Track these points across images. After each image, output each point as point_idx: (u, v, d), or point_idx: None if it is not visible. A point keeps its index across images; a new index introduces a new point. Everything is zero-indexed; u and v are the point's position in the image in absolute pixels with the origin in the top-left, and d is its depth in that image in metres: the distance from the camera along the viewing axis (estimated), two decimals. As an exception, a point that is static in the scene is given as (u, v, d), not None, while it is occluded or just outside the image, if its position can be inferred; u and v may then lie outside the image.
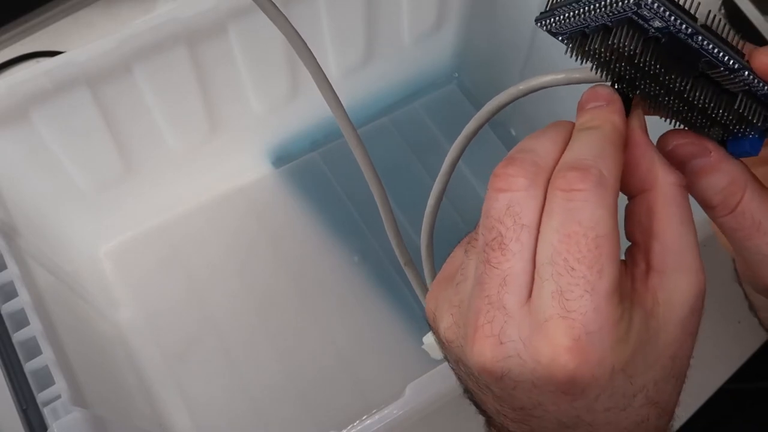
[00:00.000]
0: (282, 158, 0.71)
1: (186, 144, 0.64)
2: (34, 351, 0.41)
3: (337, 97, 0.34)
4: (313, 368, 0.62)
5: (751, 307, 0.41)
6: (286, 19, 0.33)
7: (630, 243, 0.27)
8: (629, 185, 0.27)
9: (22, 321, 0.42)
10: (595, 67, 0.28)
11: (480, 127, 0.34)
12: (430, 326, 0.30)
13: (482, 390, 0.27)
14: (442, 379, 0.42)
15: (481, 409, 0.29)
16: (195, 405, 0.60)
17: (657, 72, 0.25)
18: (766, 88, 0.26)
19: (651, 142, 0.27)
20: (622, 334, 0.24)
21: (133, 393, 0.58)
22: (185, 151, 0.64)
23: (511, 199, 0.25)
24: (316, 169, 0.71)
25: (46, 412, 0.39)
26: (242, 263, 0.67)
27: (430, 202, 0.37)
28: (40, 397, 0.40)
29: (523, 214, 0.25)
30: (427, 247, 0.40)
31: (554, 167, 0.26)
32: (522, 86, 0.31)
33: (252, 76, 0.62)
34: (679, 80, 0.26)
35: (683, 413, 0.61)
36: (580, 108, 0.28)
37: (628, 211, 0.27)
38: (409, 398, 0.42)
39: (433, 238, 0.39)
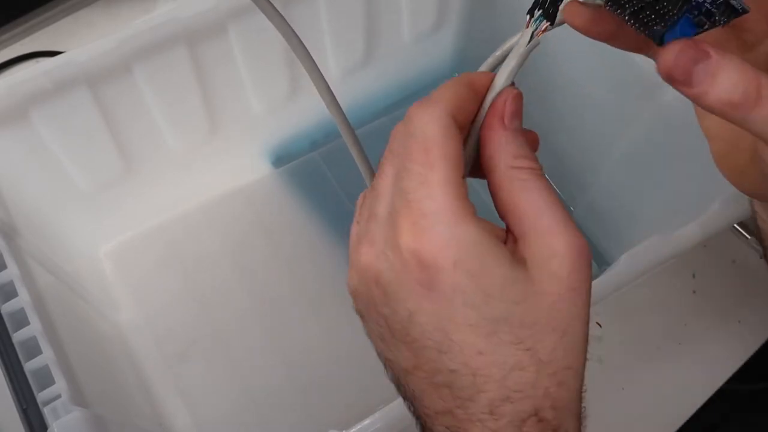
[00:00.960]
0: (282, 158, 0.71)
1: (186, 144, 0.64)
2: (34, 351, 0.41)
3: (334, 96, 0.34)
4: (313, 368, 0.62)
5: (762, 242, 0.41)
6: (283, 18, 0.33)
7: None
8: (483, 166, 0.30)
9: (22, 321, 0.42)
10: None
11: None
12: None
13: (391, 346, 0.30)
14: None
15: (412, 405, 0.31)
16: (195, 405, 0.60)
17: None
18: None
19: (503, 127, 0.30)
20: (463, 232, 0.27)
21: (133, 393, 0.58)
22: (185, 151, 0.64)
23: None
24: (315, 169, 0.71)
25: (46, 411, 0.39)
26: (242, 263, 0.67)
27: None
28: (41, 396, 0.40)
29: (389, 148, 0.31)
30: None
31: None
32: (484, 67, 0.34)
33: (252, 76, 0.62)
34: None
35: (683, 414, 0.61)
36: None
37: (489, 192, 0.30)
38: (410, 398, 0.42)
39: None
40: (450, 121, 0.29)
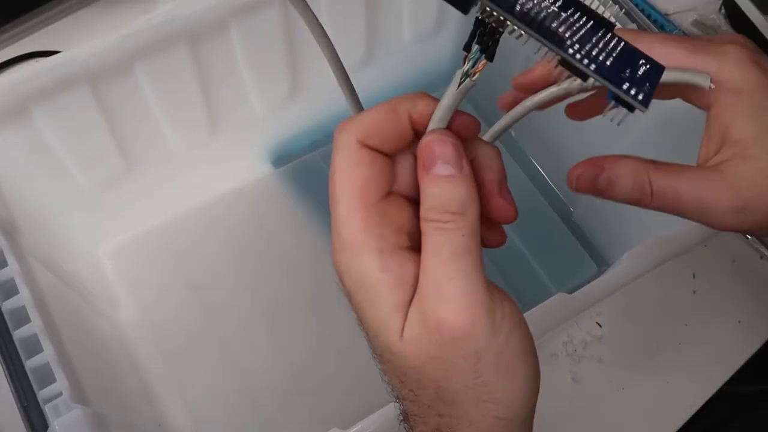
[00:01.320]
0: (282, 158, 0.71)
1: (186, 144, 0.64)
2: (35, 348, 0.41)
3: (353, 87, 0.35)
4: (313, 367, 0.62)
5: None
6: (308, 5, 0.33)
7: None
8: None
9: (23, 318, 0.42)
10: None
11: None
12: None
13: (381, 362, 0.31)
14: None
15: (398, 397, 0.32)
16: (195, 405, 0.60)
17: None
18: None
19: (424, 172, 0.29)
20: (354, 266, 0.29)
21: (132, 392, 0.58)
22: (185, 151, 0.64)
23: None
24: (316, 169, 0.71)
25: (47, 409, 0.39)
26: (242, 263, 0.67)
27: None
28: (41, 394, 0.40)
29: None
30: None
31: None
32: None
33: (253, 76, 0.62)
34: None
35: (683, 414, 0.61)
36: None
37: None
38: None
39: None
40: (355, 147, 0.30)
